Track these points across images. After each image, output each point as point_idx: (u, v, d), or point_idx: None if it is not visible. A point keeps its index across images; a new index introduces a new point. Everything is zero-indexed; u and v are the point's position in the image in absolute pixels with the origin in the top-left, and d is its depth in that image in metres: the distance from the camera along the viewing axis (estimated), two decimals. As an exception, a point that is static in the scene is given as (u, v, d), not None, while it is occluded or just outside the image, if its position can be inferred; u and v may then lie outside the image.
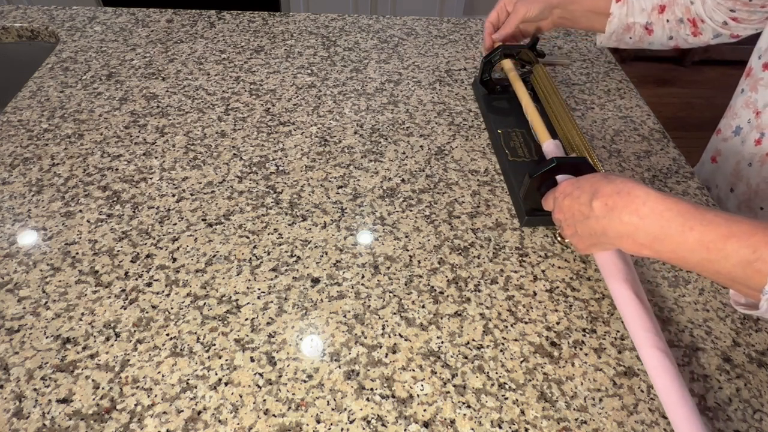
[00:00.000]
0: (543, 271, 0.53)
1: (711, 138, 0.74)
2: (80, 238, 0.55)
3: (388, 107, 0.75)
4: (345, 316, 0.48)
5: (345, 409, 0.42)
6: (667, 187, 0.64)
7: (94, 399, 0.42)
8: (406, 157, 0.67)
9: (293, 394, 0.43)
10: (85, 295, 0.49)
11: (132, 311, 0.48)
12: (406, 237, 0.56)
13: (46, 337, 0.46)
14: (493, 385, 0.44)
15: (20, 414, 0.41)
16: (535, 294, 0.51)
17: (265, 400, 0.42)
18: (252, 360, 0.45)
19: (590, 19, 0.72)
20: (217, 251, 0.54)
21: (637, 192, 0.40)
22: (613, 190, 0.42)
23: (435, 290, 0.51)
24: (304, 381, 0.44)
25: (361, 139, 0.69)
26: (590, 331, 0.48)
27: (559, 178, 0.53)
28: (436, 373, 0.45)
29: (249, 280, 0.51)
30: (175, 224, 0.56)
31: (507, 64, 0.75)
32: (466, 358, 0.46)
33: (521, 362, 0.46)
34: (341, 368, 0.45)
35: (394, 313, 0.49)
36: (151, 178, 0.62)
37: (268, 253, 0.54)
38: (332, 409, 0.42)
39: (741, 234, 0.35)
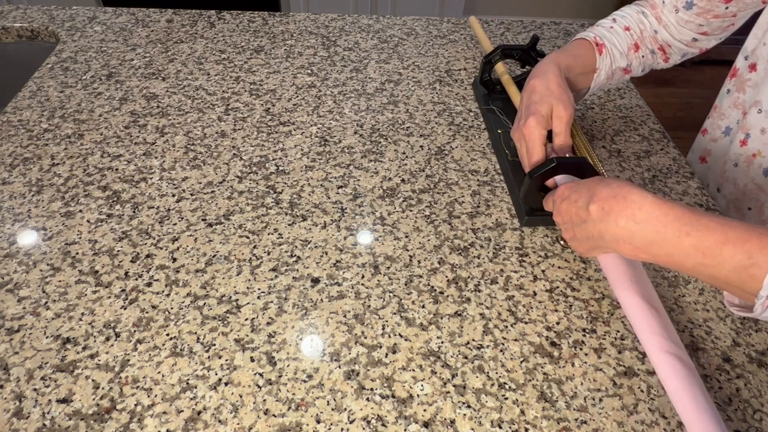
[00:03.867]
0: (543, 271, 0.53)
1: (696, 138, 0.74)
2: (80, 238, 0.55)
3: (388, 107, 0.75)
4: (345, 316, 0.48)
5: (345, 409, 0.42)
6: (667, 188, 0.65)
7: (94, 399, 0.42)
8: (406, 157, 0.67)
9: (293, 394, 0.43)
10: (85, 295, 0.49)
11: (132, 311, 0.48)
12: (406, 237, 0.56)
13: (46, 337, 0.46)
14: (493, 385, 0.44)
15: (20, 414, 0.41)
16: (535, 294, 0.51)
17: (265, 400, 0.42)
18: (252, 360, 0.45)
19: (581, 80, 0.64)
20: (217, 251, 0.54)
21: (633, 196, 0.40)
22: (610, 194, 0.42)
23: (435, 290, 0.51)
24: (304, 381, 0.44)
25: (361, 139, 0.69)
26: (590, 331, 0.48)
27: (558, 179, 0.53)
28: (436, 373, 0.45)
29: (249, 280, 0.51)
30: (175, 224, 0.56)
31: (500, 68, 0.75)
32: (466, 358, 0.46)
33: (521, 362, 0.46)
34: (341, 368, 0.45)
35: (394, 313, 0.49)
36: (151, 178, 0.62)
37: (268, 253, 0.54)
38: (332, 409, 0.42)
39: (736, 239, 0.35)
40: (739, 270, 0.35)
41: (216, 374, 0.44)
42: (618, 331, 0.48)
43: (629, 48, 0.63)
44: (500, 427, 0.41)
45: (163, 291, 0.50)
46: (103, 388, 0.42)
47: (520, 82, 0.74)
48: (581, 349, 0.47)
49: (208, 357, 0.45)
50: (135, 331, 0.47)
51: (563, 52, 0.62)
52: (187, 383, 0.43)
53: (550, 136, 0.57)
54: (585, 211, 0.44)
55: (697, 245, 0.37)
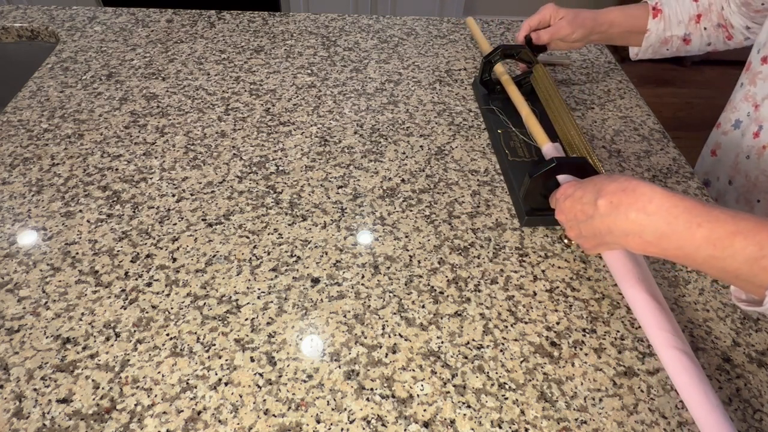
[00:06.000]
0: (543, 271, 0.53)
1: (711, 132, 0.74)
2: (80, 238, 0.55)
3: (388, 107, 0.75)
4: (345, 316, 0.48)
5: (345, 409, 0.42)
6: (667, 187, 0.64)
7: (94, 399, 0.42)
8: (406, 157, 0.67)
9: (293, 394, 0.43)
10: (85, 295, 0.49)
11: (132, 311, 0.48)
12: (406, 237, 0.56)
13: (46, 337, 0.46)
14: (493, 385, 0.44)
15: (20, 414, 0.41)
16: (535, 294, 0.51)
17: (265, 400, 0.42)
18: (252, 360, 0.45)
19: (626, 38, 0.74)
20: (217, 251, 0.54)
21: (642, 189, 0.40)
22: (618, 188, 0.41)
23: (435, 290, 0.51)
24: (304, 381, 0.44)
25: (361, 139, 0.69)
26: (590, 331, 0.48)
27: (560, 178, 0.53)
28: (436, 373, 0.44)
29: (249, 280, 0.51)
30: (175, 224, 0.56)
31: (500, 68, 0.75)
32: (466, 358, 0.46)
33: (521, 362, 0.46)
34: (341, 368, 0.45)
35: (394, 313, 0.49)
36: (151, 178, 0.62)
37: (268, 253, 0.54)
38: (332, 409, 0.42)
39: (747, 231, 0.35)
40: (750, 262, 0.35)
41: (216, 374, 0.44)
42: (618, 331, 0.48)
43: (690, 18, 0.69)
44: (500, 427, 0.41)
45: (163, 291, 0.50)
46: (103, 388, 0.42)
47: (519, 82, 0.74)
48: (581, 349, 0.47)
49: (208, 357, 0.45)
50: (135, 331, 0.46)
51: (619, 8, 0.71)
52: (187, 383, 0.43)
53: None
54: (592, 207, 0.43)
55: (709, 236, 0.36)
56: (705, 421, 0.39)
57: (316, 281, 0.51)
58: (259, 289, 0.50)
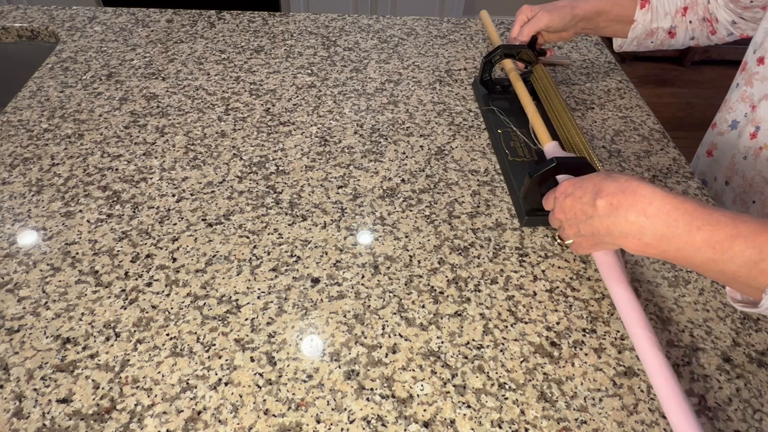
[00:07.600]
0: (543, 271, 0.53)
1: (706, 132, 0.74)
2: (80, 238, 0.55)
3: (388, 107, 0.75)
4: (345, 316, 0.48)
5: (345, 409, 0.42)
6: (667, 187, 0.64)
7: (94, 399, 0.42)
8: (406, 157, 0.67)
9: (293, 394, 0.43)
10: (85, 295, 0.49)
11: (132, 311, 0.48)
12: (406, 237, 0.56)
13: (46, 337, 0.46)
14: (493, 385, 0.44)
15: (20, 414, 0.41)
16: (535, 294, 0.51)
17: (265, 400, 0.42)
18: (252, 360, 0.45)
19: (613, 28, 0.73)
20: (217, 251, 0.54)
21: (642, 191, 0.40)
22: (618, 189, 0.41)
23: (435, 290, 0.51)
24: (304, 381, 0.44)
25: (361, 139, 0.69)
26: (590, 331, 0.48)
27: (559, 177, 0.53)
28: (436, 373, 0.45)
29: (249, 280, 0.51)
30: (175, 224, 0.56)
31: (508, 64, 0.75)
32: (466, 358, 0.46)
33: (521, 362, 0.46)
34: (341, 368, 0.45)
35: (394, 313, 0.49)
36: (151, 178, 0.62)
37: (268, 253, 0.54)
38: (332, 409, 0.42)
39: (747, 234, 0.35)
40: (749, 265, 0.35)
41: (216, 374, 0.44)
42: (618, 331, 0.48)
43: (677, 11, 0.69)
44: (500, 427, 0.41)
45: (163, 291, 0.50)
46: (103, 388, 0.42)
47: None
48: (581, 349, 0.47)
49: (208, 357, 0.45)
50: (135, 331, 0.47)
51: None
52: (187, 383, 0.43)
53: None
54: (591, 207, 0.43)
55: (708, 239, 0.36)
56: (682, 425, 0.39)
57: (316, 281, 0.51)
58: (259, 289, 0.50)
